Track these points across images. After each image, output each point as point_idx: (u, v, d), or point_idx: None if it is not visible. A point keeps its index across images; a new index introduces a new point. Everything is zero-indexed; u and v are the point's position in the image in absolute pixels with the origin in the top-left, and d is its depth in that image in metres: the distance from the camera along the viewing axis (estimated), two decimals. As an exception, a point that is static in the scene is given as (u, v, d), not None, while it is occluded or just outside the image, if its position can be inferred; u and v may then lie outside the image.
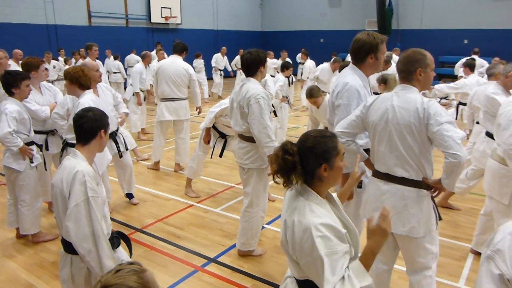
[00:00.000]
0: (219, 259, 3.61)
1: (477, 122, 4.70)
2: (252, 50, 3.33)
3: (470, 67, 6.35)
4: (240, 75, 12.82)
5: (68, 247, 2.11)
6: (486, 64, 9.14)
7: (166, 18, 17.02)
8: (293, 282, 1.72)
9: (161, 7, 16.83)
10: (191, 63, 8.19)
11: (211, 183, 5.53)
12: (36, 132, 3.94)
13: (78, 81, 3.53)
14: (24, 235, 3.93)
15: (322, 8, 19.36)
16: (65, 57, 12.32)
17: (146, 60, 8.00)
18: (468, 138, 5.15)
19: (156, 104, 6.60)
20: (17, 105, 3.56)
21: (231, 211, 4.63)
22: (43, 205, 4.26)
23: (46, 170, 4.19)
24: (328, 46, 17.69)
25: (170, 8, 17.10)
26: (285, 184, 1.64)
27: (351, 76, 2.70)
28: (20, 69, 4.28)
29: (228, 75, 13.59)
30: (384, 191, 2.40)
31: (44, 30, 13.49)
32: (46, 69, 4.31)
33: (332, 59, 8.56)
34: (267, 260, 3.60)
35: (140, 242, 3.91)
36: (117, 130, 4.36)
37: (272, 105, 4.24)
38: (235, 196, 5.06)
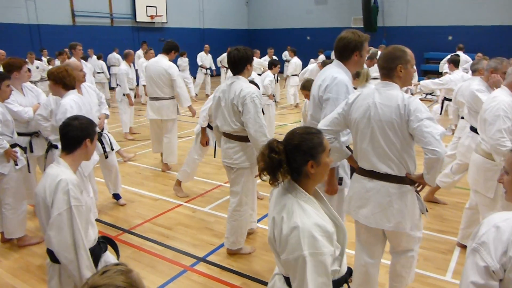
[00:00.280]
0: (208, 258, 3.60)
1: (462, 117, 4.76)
2: (240, 47, 3.28)
3: (454, 63, 6.45)
4: (225, 73, 12.75)
5: (54, 257, 2.07)
6: (470, 60, 9.28)
7: (152, 17, 16.83)
8: (281, 279, 1.72)
9: (147, 6, 16.63)
10: (175, 62, 8.12)
11: (199, 182, 5.50)
12: (19, 134, 3.86)
13: (63, 81, 3.46)
14: (9, 239, 3.86)
15: (308, 5, 19.43)
16: (48, 57, 12.02)
17: (129, 59, 7.92)
18: (453, 133, 5.22)
19: (144, 104, 6.56)
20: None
21: (219, 210, 4.62)
22: (29, 208, 4.18)
23: (30, 172, 4.10)
24: (315, 43, 17.72)
25: (155, 7, 16.91)
26: (271, 182, 1.64)
27: (338, 71, 2.73)
28: (1, 69, 4.19)
29: (211, 73, 13.50)
30: (368, 188, 2.42)
31: (27, 30, 13.23)
32: (29, 70, 4.23)
33: (321, 61, 8.57)
34: (256, 258, 3.60)
35: (128, 243, 3.87)
36: (102, 130, 4.31)
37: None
38: (224, 194, 5.04)
